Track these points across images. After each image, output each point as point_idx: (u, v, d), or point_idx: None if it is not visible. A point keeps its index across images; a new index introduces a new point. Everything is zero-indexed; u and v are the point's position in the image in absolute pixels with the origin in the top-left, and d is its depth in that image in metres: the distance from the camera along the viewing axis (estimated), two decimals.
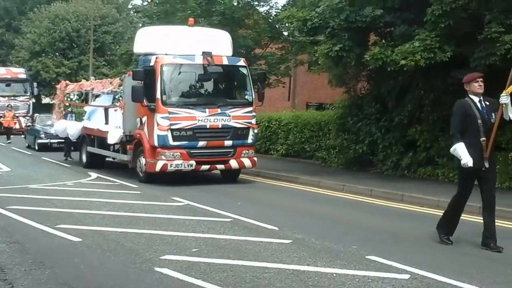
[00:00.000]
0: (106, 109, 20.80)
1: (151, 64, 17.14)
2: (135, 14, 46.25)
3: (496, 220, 12.10)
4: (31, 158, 25.91)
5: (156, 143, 16.75)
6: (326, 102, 26.00)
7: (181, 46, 17.61)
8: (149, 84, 16.82)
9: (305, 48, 25.24)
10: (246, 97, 17.87)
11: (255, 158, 18.00)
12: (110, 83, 20.91)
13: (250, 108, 17.68)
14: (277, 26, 28.21)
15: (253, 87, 17.90)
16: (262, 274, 7.93)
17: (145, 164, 17.16)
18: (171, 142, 16.67)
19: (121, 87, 19.15)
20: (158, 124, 16.67)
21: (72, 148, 24.32)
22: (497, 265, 8.56)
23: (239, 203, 13.94)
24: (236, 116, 17.29)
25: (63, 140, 24.78)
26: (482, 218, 9.90)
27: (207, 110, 16.94)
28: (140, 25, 36.41)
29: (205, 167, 17.25)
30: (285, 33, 28.09)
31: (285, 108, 30.29)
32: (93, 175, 19.52)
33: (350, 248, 9.49)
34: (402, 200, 14.72)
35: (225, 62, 17.61)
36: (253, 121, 17.80)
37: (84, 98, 24.50)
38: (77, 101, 24.36)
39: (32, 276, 7.76)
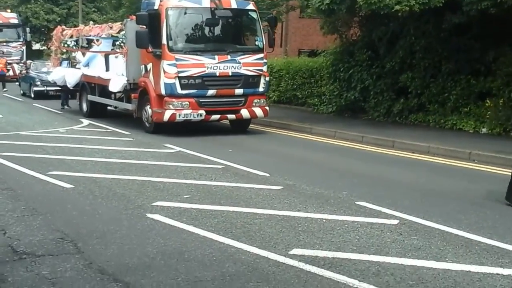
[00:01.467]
0: (106, 56, 19.87)
1: (155, 7, 16.27)
2: None
3: (484, 165, 12.29)
4: (23, 105, 25.81)
5: (163, 92, 15.98)
6: (318, 49, 25.85)
7: None
8: (154, 29, 15.94)
9: None
10: (257, 43, 17.08)
11: (267, 107, 17.26)
12: (110, 27, 19.92)
13: (261, 55, 16.84)
14: None
15: (263, 32, 17.26)
16: (252, 220, 8.03)
17: (151, 114, 16.49)
18: (179, 90, 15.89)
19: (122, 32, 18.31)
20: (164, 72, 15.86)
21: (70, 96, 23.73)
22: (485, 210, 8.68)
23: (230, 150, 14.00)
24: (246, 63, 16.46)
25: (60, 88, 23.97)
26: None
27: (216, 56, 16.10)
28: None
29: (215, 116, 16.55)
30: None
31: (276, 54, 30.12)
32: (85, 121, 19.50)
33: (340, 194, 9.59)
34: (393, 146, 14.81)
35: (234, 5, 16.71)
36: (265, 68, 16.98)
37: (82, 43, 23.16)
38: (74, 47, 23.25)
39: (25, 222, 7.84)
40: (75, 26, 30.40)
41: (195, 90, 16.02)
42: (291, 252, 6.72)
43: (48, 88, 27.48)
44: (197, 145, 14.45)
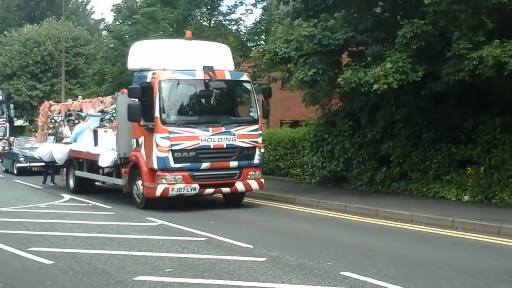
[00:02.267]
0: (95, 130, 19.36)
1: (148, 80, 15.93)
2: (106, 35, 46.13)
3: (467, 233, 12.29)
4: (4, 181, 25.56)
5: (155, 166, 15.46)
6: (300, 119, 26.09)
7: (180, 61, 16.42)
8: (147, 102, 15.61)
9: (276, 65, 25.38)
10: (251, 114, 16.67)
11: (263, 180, 16.69)
12: (101, 102, 19.53)
13: (256, 126, 16.47)
14: (248, 45, 28.41)
15: (257, 103, 16.87)
16: None
17: (143, 189, 15.88)
18: (172, 164, 15.38)
19: (113, 106, 17.89)
20: (157, 145, 15.38)
21: (49, 172, 23.15)
22: (470, 279, 8.61)
23: (213, 222, 13.88)
24: (241, 135, 16.06)
25: (44, 164, 23.40)
26: None
27: (210, 128, 15.70)
28: (111, 45, 36.29)
29: (209, 190, 15.97)
30: None
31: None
32: (66, 196, 19.33)
33: (324, 264, 9.49)
34: (377, 215, 14.77)
35: (228, 77, 16.46)
36: (259, 139, 16.56)
37: (71, 119, 22.30)
38: (61, 122, 22.43)
39: None
40: (58, 102, 30.21)
41: (189, 164, 15.57)
42: None
43: (32, 164, 27.07)
44: (180, 218, 14.31)
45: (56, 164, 22.12)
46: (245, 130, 16.22)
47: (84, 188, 20.02)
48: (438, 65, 15.56)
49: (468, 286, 8.20)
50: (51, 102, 24.70)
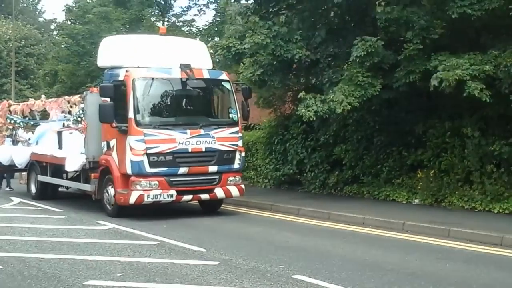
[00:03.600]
0: (59, 132, 17.94)
1: (121, 78, 14.87)
2: (58, 33, 45.52)
3: (417, 235, 12.48)
4: None
5: (129, 171, 14.43)
6: (254, 123, 26.13)
7: (154, 58, 15.43)
8: (119, 102, 14.53)
9: (230, 67, 25.37)
10: (231, 115, 15.69)
11: (243, 186, 15.84)
12: (68, 101, 18.23)
13: (236, 128, 15.55)
14: None
15: (237, 103, 15.95)
16: None
17: (114, 196, 14.91)
18: (147, 169, 14.34)
19: (80, 106, 16.81)
20: (131, 148, 14.33)
21: (5, 176, 22.18)
22: (419, 281, 8.73)
23: (165, 226, 13.78)
24: (221, 138, 15.13)
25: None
26: None
27: (188, 131, 14.75)
28: (63, 45, 35.86)
29: (187, 197, 15.02)
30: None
31: None
32: (16, 200, 18.97)
33: (277, 268, 9.51)
34: (329, 218, 14.86)
35: (206, 75, 15.50)
36: (240, 143, 15.62)
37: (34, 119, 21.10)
38: (21, 123, 21.06)
39: None
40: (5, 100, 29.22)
41: (166, 168, 14.56)
42: None
43: None
44: (132, 222, 14.16)
45: (16, 168, 21.03)
46: (225, 132, 15.32)
47: (47, 193, 18.94)
48: (393, 76, 15.77)
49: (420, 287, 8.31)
50: (10, 101, 23.24)
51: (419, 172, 16.43)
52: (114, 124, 14.56)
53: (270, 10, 18.73)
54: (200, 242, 11.50)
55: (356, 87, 15.47)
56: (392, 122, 17.49)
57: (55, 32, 53.79)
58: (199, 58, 16.00)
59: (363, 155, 18.20)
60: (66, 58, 35.15)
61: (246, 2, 19.66)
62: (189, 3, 34.28)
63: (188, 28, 32.98)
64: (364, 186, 17.90)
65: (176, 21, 33.41)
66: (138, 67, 15.00)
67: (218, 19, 32.02)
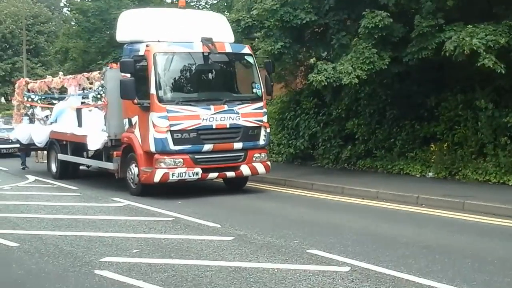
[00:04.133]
0: (78, 109, 17.62)
1: (141, 53, 14.45)
2: (68, 11, 45.47)
3: (432, 209, 12.49)
4: None
5: (152, 148, 14.12)
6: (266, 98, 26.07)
7: (175, 32, 14.96)
8: (141, 78, 14.12)
9: (241, 42, 25.30)
10: (255, 90, 15.21)
11: (269, 163, 15.49)
12: (87, 78, 17.50)
13: (261, 103, 15.12)
14: None
15: (260, 78, 15.39)
16: (203, 272, 7.92)
17: (138, 174, 14.59)
18: (171, 146, 14.01)
19: (98, 83, 16.38)
20: (154, 125, 14.00)
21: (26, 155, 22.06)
22: (434, 255, 8.73)
23: (180, 202, 13.84)
24: (245, 113, 14.72)
25: (12, 146, 22.27)
26: None
27: (212, 107, 14.34)
28: (73, 22, 35.85)
29: (213, 174, 14.67)
30: None
31: None
32: (31, 178, 19.11)
33: (291, 242, 9.56)
34: (343, 193, 14.89)
35: (228, 49, 15.09)
36: (265, 118, 15.25)
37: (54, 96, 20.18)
38: (39, 101, 20.56)
39: None
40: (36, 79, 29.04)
41: (190, 146, 14.19)
42: None
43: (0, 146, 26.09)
44: (147, 198, 14.23)
45: (34, 147, 20.88)
46: (249, 108, 14.85)
47: (68, 172, 18.61)
48: (402, 49, 15.67)
49: (432, 261, 8.33)
50: (27, 79, 22.66)
51: (432, 145, 16.39)
52: (135, 101, 14.20)
53: None
54: (214, 218, 11.56)
55: (365, 60, 15.39)
56: (404, 96, 17.42)
57: (65, 9, 53.73)
58: (220, 31, 15.54)
59: (375, 129, 18.16)
60: (77, 34, 35.13)
61: None
62: None
63: (197, 2, 32.85)
64: (377, 160, 17.88)
65: None
66: (158, 41, 14.62)
67: None
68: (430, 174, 16.12)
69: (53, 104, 19.81)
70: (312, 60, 16.21)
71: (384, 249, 9.10)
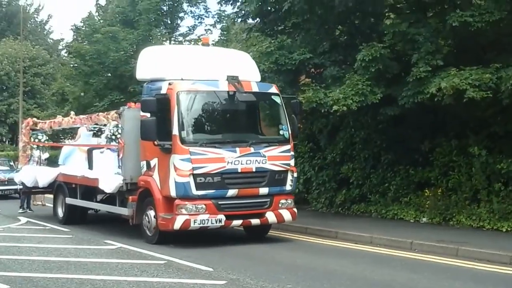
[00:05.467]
0: (89, 151, 16.95)
1: (163, 91, 13.67)
2: (66, 54, 45.81)
3: (426, 255, 12.42)
4: None
5: (173, 193, 13.23)
6: None
7: (198, 70, 14.22)
8: (162, 118, 13.30)
9: None
10: (282, 132, 14.47)
11: (295, 210, 14.49)
12: (103, 117, 16.48)
13: (288, 146, 14.26)
14: None
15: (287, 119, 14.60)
16: None
17: (156, 221, 13.65)
18: (194, 191, 13.11)
19: (113, 123, 15.71)
20: (176, 168, 13.12)
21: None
22: None
23: (172, 245, 13.71)
24: (272, 157, 13.86)
25: (7, 188, 21.99)
26: None
27: (237, 149, 13.52)
28: (71, 64, 36.09)
29: (236, 222, 13.70)
30: None
31: None
32: (23, 219, 18.98)
33: (285, 287, 9.46)
34: (337, 237, 14.82)
35: (255, 88, 14.26)
36: (292, 162, 14.34)
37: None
38: (46, 141, 19.94)
39: None
40: (15, 122, 29.20)
41: (214, 190, 13.31)
42: None
43: None
44: (138, 241, 14.10)
45: (37, 190, 19.99)
46: (276, 151, 14.02)
47: (76, 217, 17.65)
48: (396, 87, 15.82)
49: None
50: (35, 119, 21.82)
51: (427, 190, 16.39)
52: (156, 142, 13.36)
53: (275, 29, 18.82)
54: (207, 262, 11.47)
55: (357, 91, 15.49)
56: (398, 140, 17.49)
57: (63, 52, 54.12)
58: (246, 69, 14.80)
59: (370, 174, 18.18)
60: (74, 77, 35.32)
61: (252, 21, 19.78)
62: (195, 22, 34.49)
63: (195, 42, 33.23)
64: (372, 204, 17.86)
65: (183, 41, 33.64)
66: (181, 79, 13.86)
67: (224, 37, 32.27)
68: (424, 219, 16.09)
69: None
70: (305, 80, 16.25)
71: None
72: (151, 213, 13.83)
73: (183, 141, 13.20)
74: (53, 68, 51.79)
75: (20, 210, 21.06)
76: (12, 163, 29.58)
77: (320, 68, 18.13)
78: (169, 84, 13.63)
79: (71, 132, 18.49)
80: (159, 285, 9.65)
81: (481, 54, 15.62)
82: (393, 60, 15.86)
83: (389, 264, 11.70)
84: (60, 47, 57.47)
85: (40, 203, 22.75)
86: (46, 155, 20.43)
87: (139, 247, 13.31)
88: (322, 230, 15.47)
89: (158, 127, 13.22)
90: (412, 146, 17.16)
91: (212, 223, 13.32)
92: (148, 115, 13.45)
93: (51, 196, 19.62)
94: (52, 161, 20.73)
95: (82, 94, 33.96)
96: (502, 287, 9.74)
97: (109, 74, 32.20)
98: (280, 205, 14.04)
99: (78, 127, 18.75)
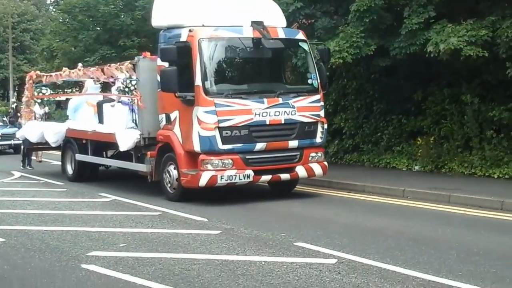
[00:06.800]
0: (99, 104, 15.99)
1: (183, 39, 12.66)
2: (54, 9, 45.25)
3: (418, 202, 12.55)
4: None
5: (197, 148, 12.39)
6: None
7: (220, 15, 13.15)
8: (183, 67, 12.35)
9: None
10: (311, 81, 13.49)
11: (326, 163, 13.77)
12: (116, 68, 15.30)
13: (318, 96, 13.33)
14: None
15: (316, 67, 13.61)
16: (191, 265, 7.91)
17: (179, 177, 12.93)
18: (220, 145, 12.30)
19: (122, 74, 14.86)
20: (200, 121, 12.25)
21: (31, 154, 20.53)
22: (420, 246, 8.77)
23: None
24: (301, 107, 13.00)
25: (3, 143, 21.73)
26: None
27: (265, 100, 12.63)
28: (61, 20, 35.60)
29: (265, 177, 12.92)
30: None
31: None
32: (17, 174, 18.99)
33: (278, 236, 9.56)
34: (330, 186, 14.90)
35: (281, 34, 13.22)
36: (322, 113, 13.46)
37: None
38: (50, 95, 18.86)
39: None
40: (6, 77, 29.04)
41: (241, 144, 12.50)
42: None
43: None
44: (133, 193, 14.19)
45: (42, 146, 19.27)
46: (305, 101, 13.11)
47: (86, 174, 16.74)
48: (389, 38, 15.73)
49: (419, 253, 8.36)
50: (38, 72, 20.28)
51: (419, 139, 16.46)
52: (177, 94, 12.47)
53: None
54: (201, 212, 11.56)
55: (352, 43, 15.41)
56: (391, 90, 17.48)
57: (51, 7, 53.46)
58: (271, 15, 13.71)
59: (363, 124, 18.23)
60: (63, 33, 34.85)
61: None
62: None
63: None
64: (364, 154, 17.94)
65: None
66: (203, 25, 12.85)
67: None
68: (417, 167, 16.18)
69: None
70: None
71: (371, 241, 9.13)
72: (173, 169, 13.08)
73: (207, 92, 12.31)
74: (42, 23, 51.25)
75: (22, 167, 20.41)
76: (5, 119, 29.37)
77: (311, 19, 17.94)
78: (190, 31, 12.64)
79: (77, 86, 16.97)
80: (154, 236, 9.73)
81: (474, 4, 15.49)
82: (386, 11, 15.72)
83: (382, 212, 11.81)
84: (48, 1, 56.70)
85: (35, 158, 22.49)
86: (45, 110, 19.74)
87: (134, 199, 13.37)
88: (315, 179, 15.47)
89: (179, 77, 12.35)
90: (404, 96, 17.16)
91: (240, 179, 12.59)
92: (167, 64, 12.65)
93: (51, 152, 19.29)
94: (52, 117, 20.18)
95: (73, 49, 33.56)
96: (494, 232, 9.84)
97: (98, 28, 31.81)
98: (310, 159, 13.30)
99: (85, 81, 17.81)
